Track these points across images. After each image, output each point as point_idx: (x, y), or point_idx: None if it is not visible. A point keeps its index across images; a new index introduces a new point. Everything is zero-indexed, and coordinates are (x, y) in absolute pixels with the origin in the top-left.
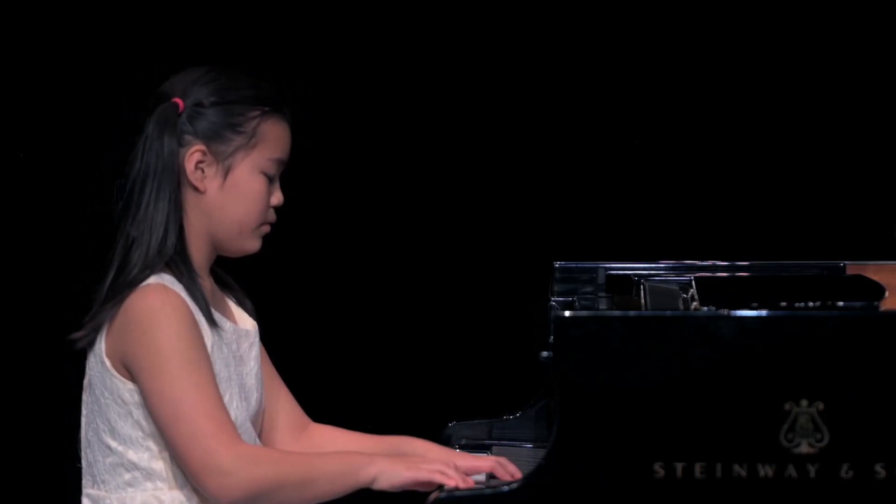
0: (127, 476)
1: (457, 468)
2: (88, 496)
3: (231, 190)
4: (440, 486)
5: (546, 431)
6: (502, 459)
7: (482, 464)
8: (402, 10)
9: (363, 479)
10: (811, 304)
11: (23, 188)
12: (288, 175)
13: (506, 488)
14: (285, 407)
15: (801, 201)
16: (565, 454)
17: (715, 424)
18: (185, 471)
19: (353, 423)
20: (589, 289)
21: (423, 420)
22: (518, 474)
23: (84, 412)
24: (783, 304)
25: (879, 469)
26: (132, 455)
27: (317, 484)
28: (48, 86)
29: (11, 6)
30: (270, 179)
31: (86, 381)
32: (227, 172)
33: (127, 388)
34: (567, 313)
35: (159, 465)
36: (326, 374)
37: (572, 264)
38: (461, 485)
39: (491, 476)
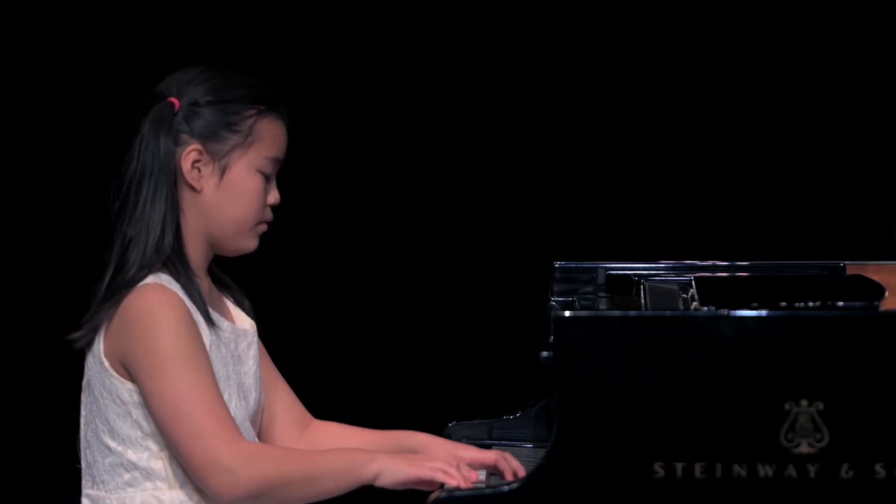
0: (126, 476)
1: (459, 467)
2: (88, 496)
3: (228, 189)
4: (441, 485)
5: (546, 431)
6: (506, 454)
7: (486, 457)
8: (401, 10)
9: (366, 475)
10: (811, 304)
11: (23, 188)
12: (287, 174)
13: (506, 488)
14: (286, 404)
15: (801, 201)
16: (565, 454)
17: (715, 424)
18: (188, 469)
19: (353, 423)
20: (589, 289)
21: (423, 420)
22: (521, 470)
23: (83, 412)
24: (783, 304)
25: (879, 469)
26: (131, 455)
27: (319, 481)
28: (48, 86)
29: (11, 6)
30: (267, 178)
31: (84, 382)
32: (223, 171)
33: (126, 388)
34: (567, 313)
35: (159, 464)
36: (326, 374)
37: (572, 264)
38: (462, 484)
39: (491, 475)
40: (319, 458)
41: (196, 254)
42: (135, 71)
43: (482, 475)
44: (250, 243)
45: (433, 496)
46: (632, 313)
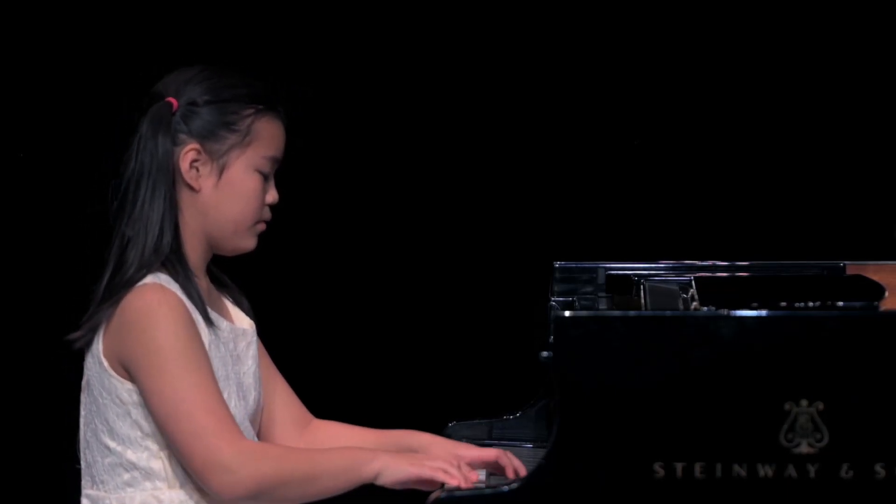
0: (126, 476)
1: (460, 467)
2: (88, 497)
3: (226, 188)
4: (442, 485)
5: (546, 431)
6: (507, 452)
7: (487, 454)
8: (401, 10)
9: (367, 474)
10: (811, 304)
11: (23, 188)
12: (286, 174)
13: (506, 488)
14: (286, 403)
15: (801, 201)
16: (565, 454)
17: (715, 424)
18: (188, 469)
19: (353, 423)
20: (589, 289)
21: (423, 420)
22: (522, 468)
23: (82, 413)
24: (783, 304)
25: (879, 469)
26: (131, 455)
27: (320, 480)
28: (48, 86)
29: (11, 6)
30: (265, 177)
31: (84, 382)
32: (221, 171)
33: (125, 388)
34: (567, 313)
35: (158, 464)
36: (326, 374)
37: (572, 264)
38: (463, 484)
39: (491, 475)
40: (320, 457)
41: (194, 253)
42: (135, 71)
43: (482, 475)
44: (249, 243)
45: (433, 496)
46: (632, 313)
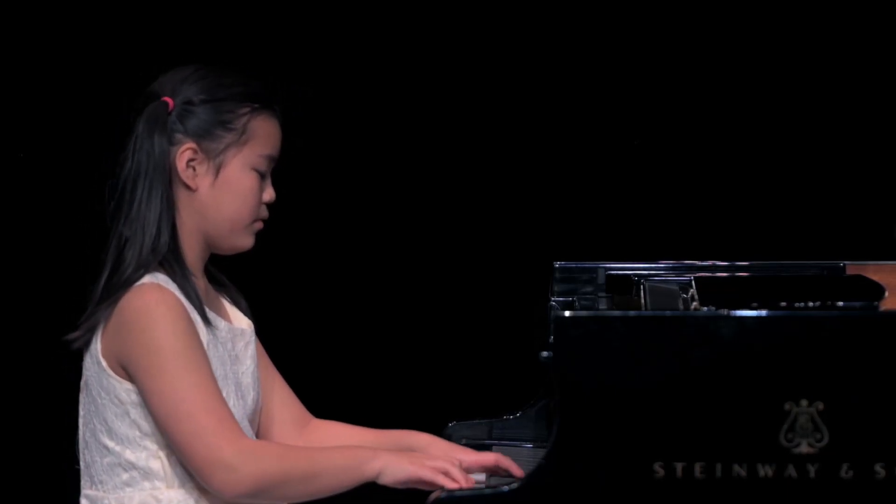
0: (125, 476)
1: (461, 466)
2: (87, 497)
3: (223, 187)
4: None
5: (546, 431)
6: (506, 456)
7: (485, 459)
8: (401, 9)
9: (368, 473)
10: (811, 304)
11: (23, 188)
12: (287, 173)
13: (506, 488)
14: (285, 403)
15: (801, 201)
16: (565, 454)
17: (715, 424)
18: (189, 468)
19: (353, 423)
20: (589, 289)
21: (423, 420)
22: (520, 472)
23: (81, 413)
24: (783, 304)
25: (879, 469)
26: (130, 455)
27: (321, 478)
28: (48, 86)
29: (11, 6)
30: (262, 176)
31: (82, 382)
32: (218, 170)
33: (124, 388)
34: (567, 313)
35: (157, 464)
36: (326, 374)
37: (572, 264)
38: (463, 485)
39: (491, 475)
40: (321, 455)
41: (192, 253)
42: (135, 71)
43: (481, 477)
44: (246, 241)
45: (433, 496)
46: (632, 313)
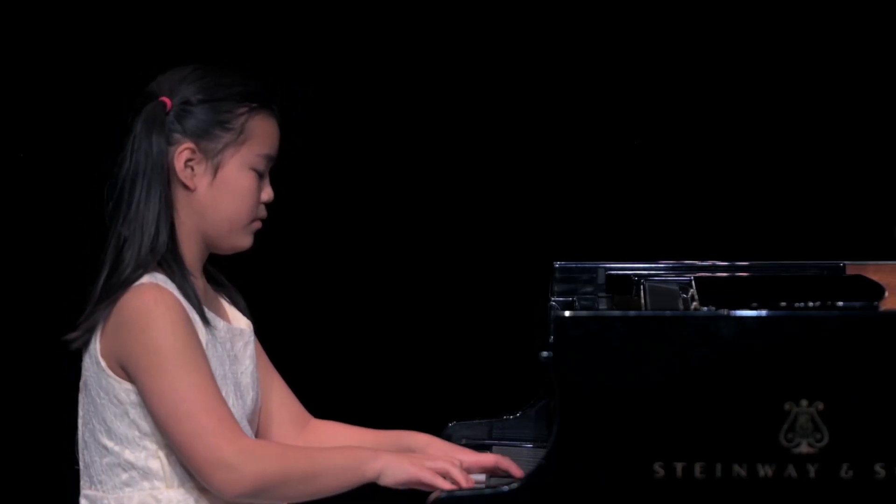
0: (124, 476)
1: (461, 466)
2: (86, 497)
3: (221, 187)
4: None
5: (546, 431)
6: (505, 457)
7: (484, 459)
8: (401, 9)
9: (368, 473)
10: (811, 304)
11: (23, 188)
12: (287, 173)
13: (506, 488)
14: (284, 403)
15: (801, 201)
16: (565, 454)
17: (715, 424)
18: (190, 468)
19: (353, 423)
20: (589, 289)
21: (423, 420)
22: (519, 472)
23: (80, 413)
24: (783, 304)
25: (879, 469)
26: (129, 455)
27: (322, 478)
28: (48, 86)
29: (11, 6)
30: (260, 175)
31: (81, 382)
32: (216, 170)
33: (123, 388)
34: (567, 313)
35: (156, 464)
36: (325, 374)
37: (572, 264)
38: (462, 485)
39: (491, 476)
40: (322, 455)
41: (191, 253)
42: (135, 71)
43: (481, 477)
44: (245, 241)
45: (433, 496)
46: (632, 313)
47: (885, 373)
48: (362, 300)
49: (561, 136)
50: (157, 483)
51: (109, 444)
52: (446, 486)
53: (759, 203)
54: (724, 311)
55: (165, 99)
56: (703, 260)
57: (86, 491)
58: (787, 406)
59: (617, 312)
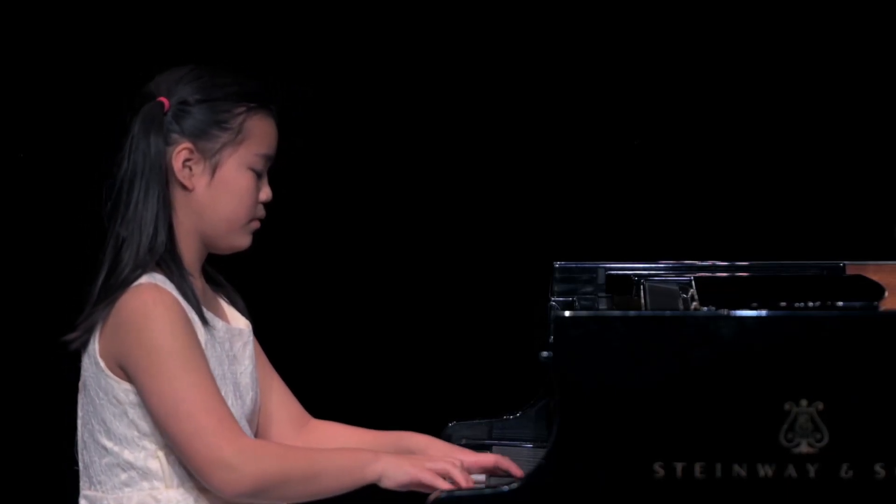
0: (123, 476)
1: (462, 467)
2: (86, 497)
3: (219, 187)
4: None
5: (546, 431)
6: (505, 457)
7: (485, 460)
8: (401, 9)
9: (369, 475)
10: (811, 304)
11: (23, 188)
12: (287, 173)
13: (506, 488)
14: (283, 402)
15: (801, 201)
16: (565, 454)
17: (715, 424)
18: (190, 468)
19: (353, 423)
20: (589, 289)
21: (423, 420)
22: (519, 473)
23: (80, 414)
24: (783, 304)
25: (879, 469)
26: (128, 455)
27: (322, 478)
28: (48, 86)
29: (11, 6)
30: (258, 175)
31: (80, 383)
32: (214, 169)
33: (122, 388)
34: (567, 313)
35: (155, 464)
36: (325, 374)
37: (572, 264)
38: (463, 486)
39: (491, 476)
40: (322, 456)
41: (189, 253)
42: (135, 71)
43: (481, 477)
44: (243, 241)
45: (433, 496)
46: (632, 313)
47: (885, 373)
48: (362, 300)
49: (561, 136)
50: (156, 483)
51: (108, 444)
52: (447, 486)
53: (759, 203)
54: (724, 311)
55: (163, 99)
56: (703, 260)
57: (85, 491)
58: (787, 406)
59: (617, 312)
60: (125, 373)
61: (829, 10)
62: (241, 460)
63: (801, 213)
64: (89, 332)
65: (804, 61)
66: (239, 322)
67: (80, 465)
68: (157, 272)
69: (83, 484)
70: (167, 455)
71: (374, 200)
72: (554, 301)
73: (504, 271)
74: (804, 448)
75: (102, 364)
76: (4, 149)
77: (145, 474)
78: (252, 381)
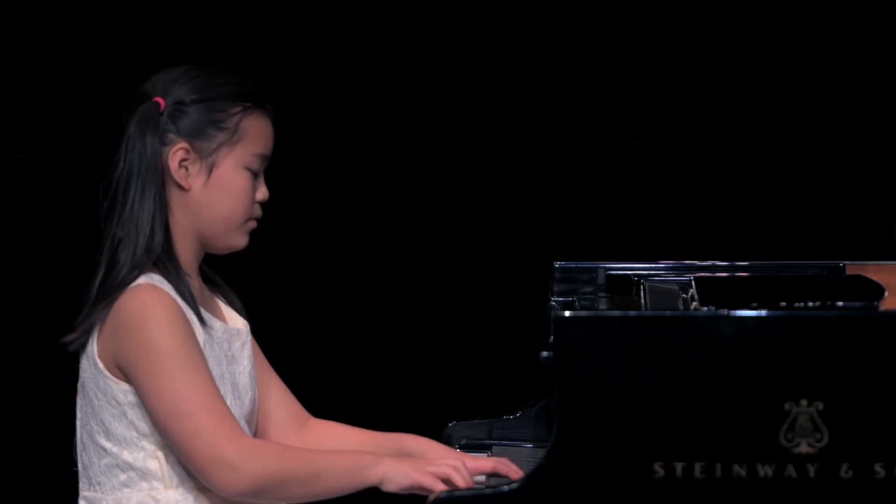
0: (122, 477)
1: (463, 468)
2: (85, 498)
3: (216, 186)
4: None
5: (546, 431)
6: (504, 460)
7: (483, 465)
8: (401, 9)
9: (370, 478)
10: (811, 304)
11: (23, 188)
12: (287, 173)
13: (506, 488)
14: (282, 402)
15: (801, 201)
16: (565, 454)
17: (715, 424)
18: (190, 467)
19: (352, 423)
20: (589, 289)
21: (423, 420)
22: (520, 473)
23: (78, 415)
24: (783, 304)
25: (879, 469)
26: (127, 455)
27: (322, 479)
28: (48, 86)
29: (11, 6)
30: (255, 175)
31: (79, 384)
32: (210, 169)
33: (120, 389)
34: (567, 313)
35: (154, 464)
36: (325, 374)
37: (572, 264)
38: (463, 487)
39: (491, 476)
40: (323, 457)
41: (186, 253)
42: (136, 71)
43: (481, 478)
44: (240, 240)
45: (433, 496)
46: (632, 313)
47: (884, 373)
48: (361, 300)
49: (561, 136)
50: (155, 483)
51: (107, 445)
52: (447, 488)
53: (759, 203)
54: (724, 311)
55: (159, 99)
56: (703, 260)
57: (84, 492)
58: (786, 406)
59: (617, 312)
60: (124, 373)
61: (829, 10)
62: (241, 459)
63: (801, 213)
64: (88, 334)
65: (804, 61)
66: (237, 322)
67: (80, 466)
68: (155, 272)
69: (82, 485)
70: (166, 455)
71: (373, 200)
72: (554, 301)
73: (504, 271)
74: (804, 448)
75: (101, 365)
76: (4, 149)
77: (144, 475)
78: (250, 381)
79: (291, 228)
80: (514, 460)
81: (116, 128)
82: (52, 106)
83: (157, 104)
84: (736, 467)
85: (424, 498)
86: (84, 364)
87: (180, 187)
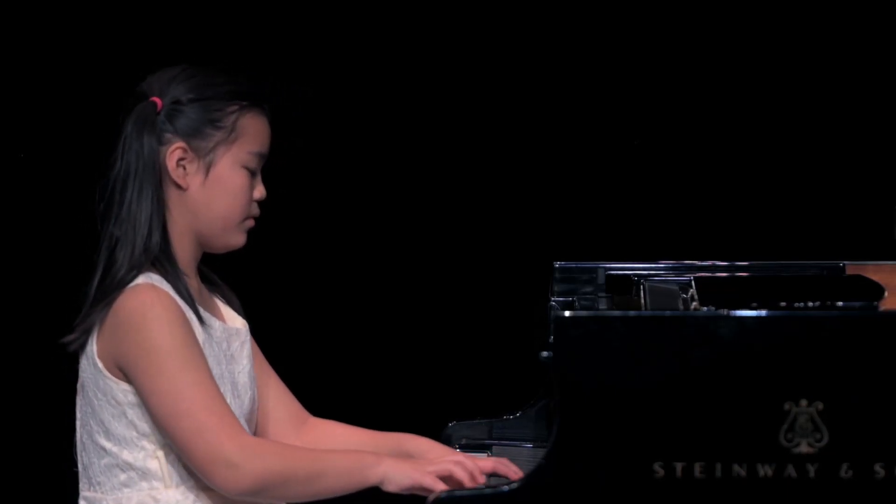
0: (122, 477)
1: (464, 464)
2: (85, 498)
3: (213, 186)
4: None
5: (546, 431)
6: (503, 460)
7: (483, 465)
8: (401, 9)
9: (371, 478)
10: (811, 304)
11: (23, 188)
12: (286, 172)
13: (506, 488)
14: (281, 401)
15: (801, 201)
16: (565, 454)
17: (715, 424)
18: (191, 466)
19: (352, 423)
20: (589, 289)
21: (423, 420)
22: (520, 473)
23: (78, 415)
24: (783, 304)
25: (879, 469)
26: (127, 455)
27: (323, 479)
28: (48, 86)
29: (11, 6)
30: (252, 173)
31: (79, 384)
32: (208, 168)
33: (120, 389)
34: (567, 313)
35: (154, 464)
36: (325, 374)
37: (572, 264)
38: (466, 484)
39: (491, 476)
40: (324, 456)
41: (184, 252)
42: (136, 71)
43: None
44: (238, 239)
45: (433, 496)
46: (632, 313)
47: (884, 373)
48: (361, 300)
49: (561, 136)
50: (155, 483)
51: (107, 444)
52: (448, 488)
53: (759, 203)
54: (724, 311)
55: (156, 99)
56: (703, 260)
57: (84, 492)
58: (786, 406)
59: (617, 312)
60: (124, 373)
61: (829, 10)
62: (242, 458)
63: (801, 213)
64: (87, 334)
65: (804, 61)
66: (236, 321)
67: (80, 466)
68: (153, 272)
69: (82, 485)
70: (166, 455)
71: (373, 200)
72: (554, 301)
73: (504, 271)
74: (804, 448)
75: (101, 365)
76: (4, 149)
77: (144, 474)
78: (250, 381)
79: (291, 228)
80: (514, 460)
81: (114, 128)
82: (51, 106)
83: (154, 104)
84: (736, 467)
85: (424, 498)
86: (83, 364)
87: (178, 187)
